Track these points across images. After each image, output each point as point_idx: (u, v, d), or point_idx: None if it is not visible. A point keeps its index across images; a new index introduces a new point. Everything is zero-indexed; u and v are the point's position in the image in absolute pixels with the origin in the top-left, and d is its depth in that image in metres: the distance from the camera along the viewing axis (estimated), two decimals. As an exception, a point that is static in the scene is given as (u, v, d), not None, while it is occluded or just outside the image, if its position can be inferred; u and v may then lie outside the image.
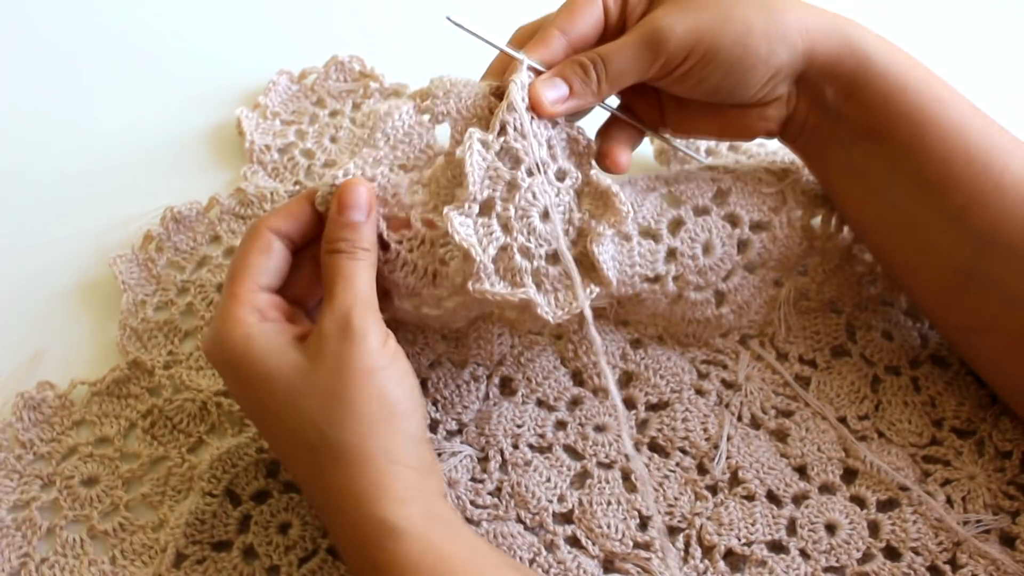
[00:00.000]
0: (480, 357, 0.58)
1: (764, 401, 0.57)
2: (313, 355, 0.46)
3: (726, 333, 0.59)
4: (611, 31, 0.53)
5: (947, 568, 0.51)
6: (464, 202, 0.49)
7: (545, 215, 0.50)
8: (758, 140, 0.61)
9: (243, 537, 0.53)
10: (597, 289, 0.51)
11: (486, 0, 0.77)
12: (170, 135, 0.71)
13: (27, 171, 0.69)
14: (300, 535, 0.52)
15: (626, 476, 0.54)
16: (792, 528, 0.53)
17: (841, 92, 0.52)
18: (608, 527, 0.52)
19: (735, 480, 0.54)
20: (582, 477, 0.55)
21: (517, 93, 0.49)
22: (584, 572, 0.51)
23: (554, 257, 0.50)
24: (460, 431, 0.56)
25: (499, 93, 0.51)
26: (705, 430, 0.56)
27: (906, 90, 0.51)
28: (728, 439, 0.55)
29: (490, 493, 0.54)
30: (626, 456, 0.55)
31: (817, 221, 0.58)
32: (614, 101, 0.56)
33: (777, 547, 0.52)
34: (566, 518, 0.53)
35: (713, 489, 0.54)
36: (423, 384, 0.57)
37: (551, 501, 0.53)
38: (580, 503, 0.53)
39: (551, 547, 0.52)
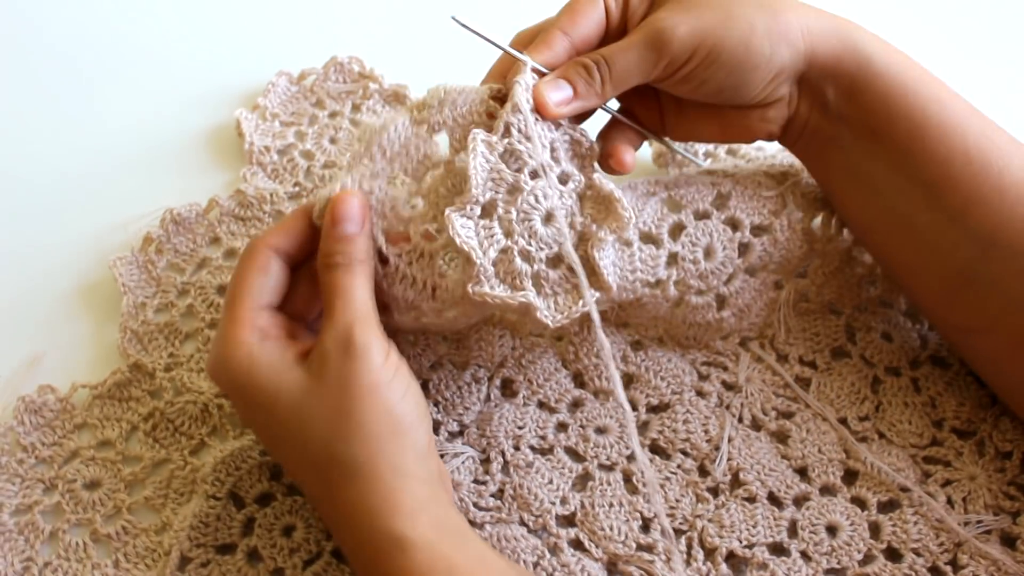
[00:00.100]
0: (481, 359, 0.58)
1: (765, 402, 0.57)
2: (317, 373, 0.46)
3: (726, 335, 0.59)
4: (612, 33, 0.53)
5: (948, 569, 0.51)
6: (466, 204, 0.49)
7: (547, 218, 0.50)
8: (756, 144, 0.61)
9: (247, 540, 0.53)
10: (597, 294, 0.51)
11: (486, 1, 0.77)
12: (169, 136, 0.71)
13: (26, 173, 0.69)
14: (304, 537, 0.52)
15: (627, 478, 0.55)
16: (793, 530, 0.53)
17: (842, 93, 0.52)
18: (611, 529, 0.52)
19: (736, 482, 0.54)
20: (584, 479, 0.55)
21: (522, 94, 0.49)
22: (588, 575, 0.51)
23: (554, 261, 0.50)
24: (461, 432, 0.56)
25: (500, 96, 0.51)
26: (706, 432, 0.56)
27: (905, 90, 0.51)
28: (729, 441, 0.56)
29: (493, 495, 0.54)
30: (627, 458, 0.55)
31: (817, 223, 0.58)
32: (613, 104, 0.56)
33: (778, 549, 0.53)
34: (569, 520, 0.53)
35: (714, 491, 0.54)
36: (424, 385, 0.57)
37: (553, 503, 0.53)
38: (582, 505, 0.54)
39: (555, 550, 0.52)
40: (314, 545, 0.52)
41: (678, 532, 0.53)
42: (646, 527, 0.53)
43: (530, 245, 0.50)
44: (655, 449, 0.56)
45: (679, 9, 0.50)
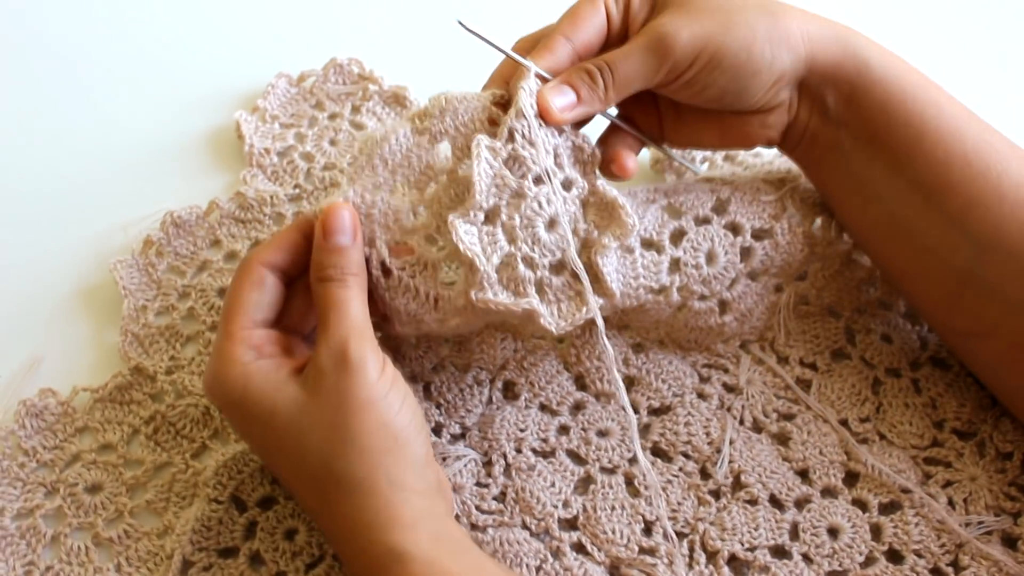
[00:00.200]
0: (483, 361, 0.58)
1: (766, 404, 0.57)
2: (312, 389, 0.46)
3: (727, 339, 0.59)
4: (614, 38, 0.53)
5: (949, 570, 0.52)
6: (470, 210, 0.49)
7: (550, 224, 0.50)
8: (754, 150, 0.62)
9: (249, 543, 0.53)
10: (601, 301, 0.51)
11: (486, 3, 0.77)
12: (169, 139, 0.71)
13: (26, 176, 0.69)
14: (306, 541, 0.52)
15: (629, 481, 0.55)
16: (795, 532, 0.53)
17: (842, 98, 0.52)
18: (613, 532, 0.53)
19: (738, 484, 0.55)
20: (586, 482, 0.55)
21: (526, 100, 0.49)
22: (591, 579, 0.52)
23: (557, 267, 0.50)
24: (463, 435, 0.56)
25: (502, 102, 0.51)
26: (707, 434, 0.56)
27: (904, 96, 0.51)
28: (730, 443, 0.56)
29: (495, 498, 0.54)
30: (629, 461, 0.55)
31: (817, 226, 0.58)
32: (612, 110, 0.56)
33: (780, 552, 0.53)
34: (571, 524, 0.54)
35: (716, 494, 0.54)
36: (426, 388, 0.57)
37: (556, 507, 0.53)
38: (584, 509, 0.54)
39: (557, 554, 0.52)
40: (316, 548, 0.52)
41: (680, 535, 0.53)
42: (648, 530, 0.53)
43: (533, 251, 0.50)
44: (657, 452, 0.56)
45: (681, 14, 0.50)
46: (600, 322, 0.49)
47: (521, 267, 0.49)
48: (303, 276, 0.51)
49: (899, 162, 0.52)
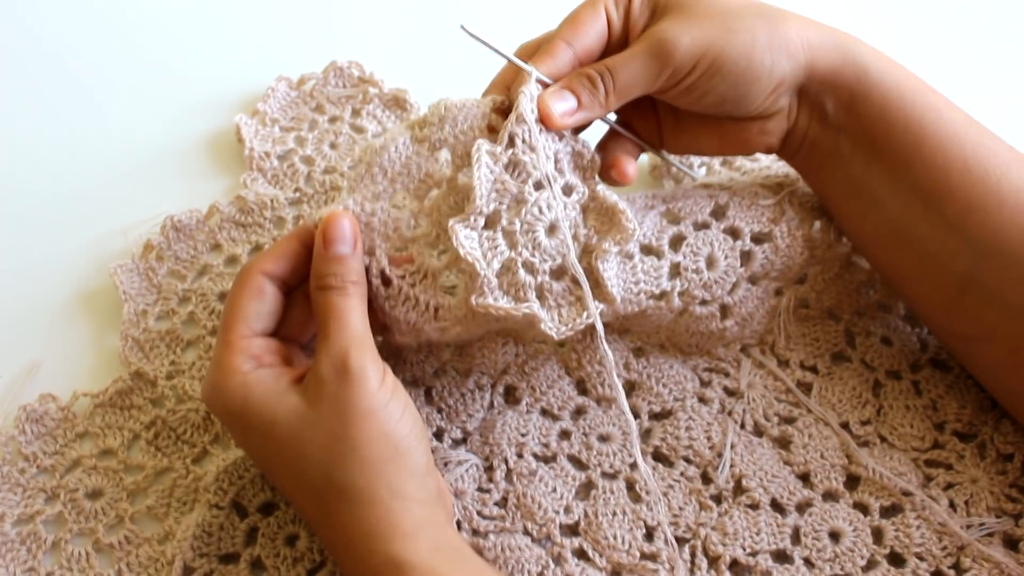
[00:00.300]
0: (484, 366, 0.58)
1: (767, 408, 0.57)
2: (312, 399, 0.46)
3: (728, 343, 0.59)
4: (614, 44, 0.53)
5: (951, 573, 0.52)
6: (470, 215, 0.49)
7: (551, 230, 0.50)
8: (751, 156, 0.61)
9: (250, 549, 0.53)
10: (601, 306, 0.51)
11: (486, 4, 0.77)
12: (169, 142, 0.71)
13: (26, 180, 0.69)
14: (307, 547, 0.52)
15: (631, 486, 0.55)
16: (796, 537, 0.53)
17: (841, 104, 0.52)
18: (614, 538, 0.52)
19: (739, 489, 0.55)
20: (587, 487, 0.55)
21: (526, 105, 0.49)
22: (592, 585, 0.52)
23: (558, 273, 0.50)
24: (465, 440, 0.56)
25: (502, 108, 0.51)
26: (709, 438, 0.56)
27: (903, 102, 0.52)
28: (732, 447, 0.56)
29: (496, 503, 0.54)
30: (630, 466, 0.55)
31: (817, 229, 0.58)
32: (611, 116, 0.56)
33: (782, 556, 0.53)
34: (572, 529, 0.53)
35: (717, 499, 0.54)
36: (428, 392, 0.57)
37: (557, 512, 0.53)
38: (586, 514, 0.54)
39: (559, 560, 0.52)
40: (317, 554, 0.52)
41: (681, 540, 0.53)
42: (650, 536, 0.53)
43: (534, 257, 0.49)
44: (658, 456, 0.56)
45: (681, 20, 0.50)
46: (600, 327, 0.49)
47: (522, 272, 0.49)
48: (302, 285, 0.51)
49: (898, 168, 0.52)
